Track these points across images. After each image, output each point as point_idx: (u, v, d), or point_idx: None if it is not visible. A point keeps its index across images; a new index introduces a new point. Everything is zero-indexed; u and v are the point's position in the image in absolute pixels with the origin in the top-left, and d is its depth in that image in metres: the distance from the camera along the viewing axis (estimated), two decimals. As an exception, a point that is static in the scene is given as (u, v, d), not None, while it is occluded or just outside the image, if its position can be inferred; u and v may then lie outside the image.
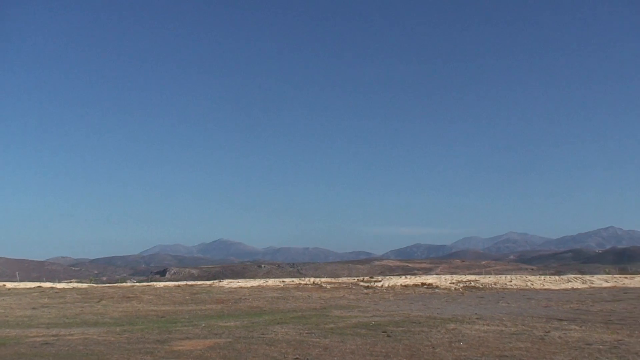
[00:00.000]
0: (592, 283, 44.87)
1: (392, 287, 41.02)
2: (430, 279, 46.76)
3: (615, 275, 55.02)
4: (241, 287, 42.86)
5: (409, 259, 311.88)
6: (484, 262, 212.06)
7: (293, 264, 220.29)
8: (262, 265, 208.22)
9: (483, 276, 52.83)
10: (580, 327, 19.25)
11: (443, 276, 51.70)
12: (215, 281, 54.71)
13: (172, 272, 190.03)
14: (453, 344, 15.49)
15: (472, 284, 42.95)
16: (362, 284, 44.20)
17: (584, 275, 56.28)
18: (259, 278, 72.50)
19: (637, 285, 42.51)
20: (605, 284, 43.94)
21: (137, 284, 61.48)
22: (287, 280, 51.32)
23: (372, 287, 41.08)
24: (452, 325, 19.67)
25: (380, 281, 45.40)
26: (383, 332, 18.05)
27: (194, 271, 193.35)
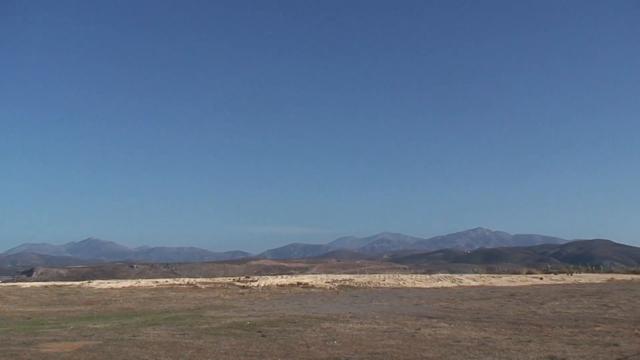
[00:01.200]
0: (461, 282, 46.35)
1: (268, 287, 40.91)
2: (306, 279, 46.94)
3: (483, 275, 57.03)
4: (112, 288, 41.57)
5: (286, 259, 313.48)
6: (358, 262, 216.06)
7: (167, 264, 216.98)
8: (135, 266, 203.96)
9: (358, 275, 53.52)
10: (450, 324, 19.78)
11: (319, 275, 52.03)
12: (84, 282, 52.85)
13: (40, 272, 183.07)
14: (327, 343, 15.53)
15: (347, 283, 43.44)
16: (237, 283, 43.85)
17: (453, 275, 58.09)
18: (131, 279, 70.61)
19: (503, 285, 44.29)
20: (473, 283, 45.51)
21: (2, 284, 58.55)
22: (161, 280, 50.22)
23: (248, 287, 40.82)
24: (326, 324, 19.76)
25: (256, 281, 45.19)
26: (258, 332, 17.89)
27: (62, 271, 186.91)
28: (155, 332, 18.23)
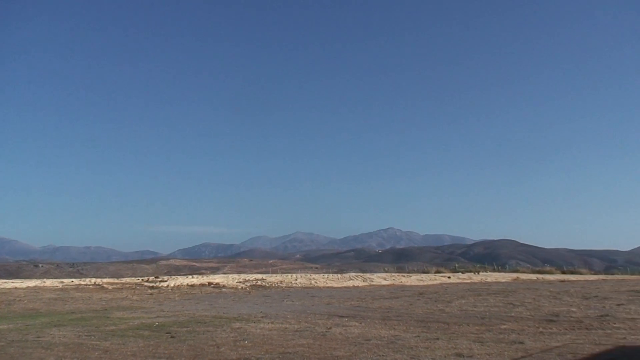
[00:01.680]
0: (372, 281, 46.86)
1: (178, 287, 40.28)
2: (217, 278, 46.45)
3: (393, 274, 57.88)
4: (15, 288, 40.04)
5: (197, 258, 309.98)
6: (271, 261, 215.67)
7: (73, 264, 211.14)
8: (40, 265, 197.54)
9: (270, 275, 53.41)
10: (360, 323, 19.92)
11: (230, 275, 51.61)
12: (-14, 282, 50.77)
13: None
14: (238, 343, 15.37)
15: (259, 282, 43.24)
16: (146, 284, 42.97)
17: (364, 274, 58.67)
18: (36, 278, 68.15)
19: (413, 283, 45.03)
20: (384, 282, 46.08)
21: None
22: (67, 280, 48.68)
23: (157, 288, 40.06)
24: (237, 324, 19.58)
25: (166, 281, 44.38)
26: (167, 333, 17.56)
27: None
28: (60, 333, 17.65)
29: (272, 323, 20.11)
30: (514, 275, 59.24)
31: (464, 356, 13.29)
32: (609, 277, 61.40)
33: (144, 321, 21.07)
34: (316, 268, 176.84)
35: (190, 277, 49.26)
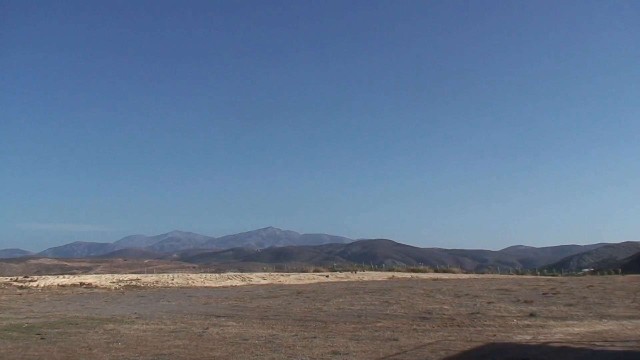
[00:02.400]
0: (251, 280, 46.73)
1: (49, 287, 38.72)
2: (89, 279, 44.97)
3: (272, 273, 57.97)
4: None
5: (69, 258, 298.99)
6: (147, 261, 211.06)
7: None
8: None
9: (145, 275, 52.26)
10: (238, 323, 19.76)
11: (103, 275, 50.11)
12: None
13: None
14: (111, 345, 14.91)
15: (134, 283, 42.21)
16: (15, 283, 41.03)
17: (243, 273, 58.47)
18: None
19: (291, 283, 45.19)
20: (262, 282, 46.03)
21: None
22: None
23: (26, 287, 38.35)
24: (110, 326, 19.00)
25: (35, 281, 42.54)
26: (37, 334, 16.82)
27: None
28: None
29: (147, 324, 19.65)
30: (390, 274, 60.58)
31: (340, 354, 13.39)
32: (480, 276, 63.68)
33: (12, 322, 20.14)
34: (194, 268, 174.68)
35: (61, 277, 47.43)
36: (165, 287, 40.58)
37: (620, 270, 67.76)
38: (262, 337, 16.19)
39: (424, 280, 47.14)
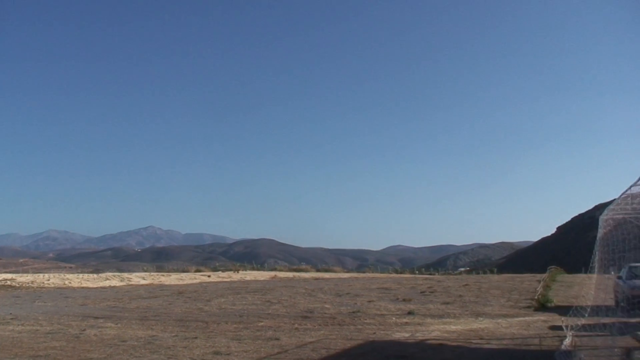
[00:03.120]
0: (130, 281, 45.75)
1: None
2: (-42, 279, 42.76)
3: (152, 273, 56.91)
4: None
5: None
6: (22, 260, 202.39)
7: None
8: None
9: (20, 275, 50.21)
10: (116, 324, 19.34)
11: (-26, 275, 47.75)
12: None
13: None
14: (-18, 347, 14.27)
15: (8, 283, 40.50)
16: None
17: (122, 273, 57.16)
18: None
19: (173, 283, 44.53)
20: (142, 282, 45.16)
21: None
22: None
23: None
24: (-19, 328, 18.18)
25: None
26: None
27: None
28: None
29: (22, 325, 18.97)
30: (272, 273, 60.73)
31: (222, 354, 13.33)
32: (361, 275, 64.59)
33: None
34: (71, 268, 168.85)
35: None
36: (41, 287, 39.15)
37: (495, 270, 70.43)
38: (141, 338, 15.91)
39: (306, 280, 47.45)
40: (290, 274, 59.59)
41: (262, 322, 19.73)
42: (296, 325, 18.78)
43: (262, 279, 50.50)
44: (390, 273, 72.76)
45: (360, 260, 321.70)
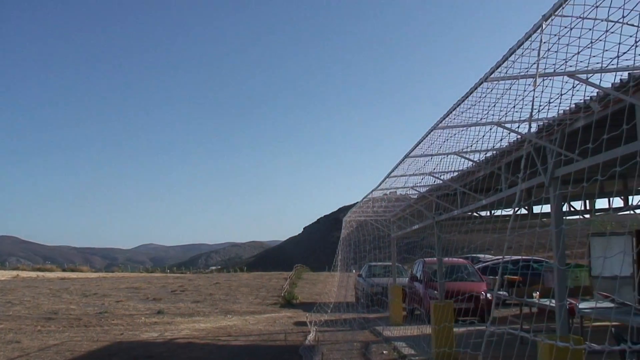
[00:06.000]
0: None
1: None
2: None
3: None
4: None
5: None
6: None
7: None
8: None
9: None
10: None
11: None
12: None
13: None
14: None
15: None
16: None
17: None
18: None
19: None
20: None
21: None
22: None
23: None
24: None
25: None
26: None
27: None
28: None
29: None
30: (14, 272, 57.15)
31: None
32: (110, 274, 62.99)
33: None
34: None
35: None
36: None
37: (245, 268, 71.93)
38: None
39: (50, 280, 45.25)
40: (33, 274, 56.45)
41: (1, 324, 18.65)
42: (39, 327, 18.03)
43: (2, 278, 47.36)
44: (141, 272, 71.79)
45: (109, 260, 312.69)
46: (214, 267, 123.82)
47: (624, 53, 4.73)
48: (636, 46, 4.61)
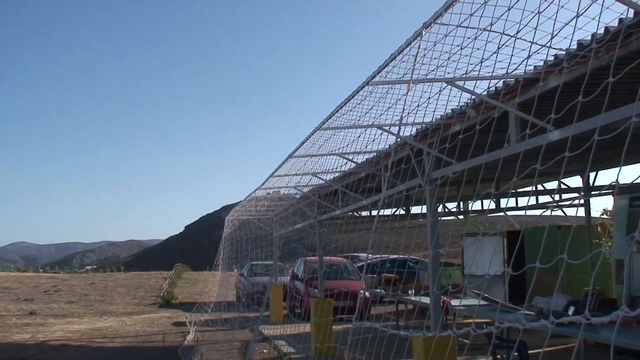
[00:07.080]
0: None
1: None
2: None
3: None
4: None
5: None
6: None
7: None
8: None
9: None
10: None
11: None
12: None
13: None
14: None
15: None
16: None
17: None
18: None
19: None
20: None
21: None
22: None
23: None
24: None
25: None
26: None
27: None
28: None
29: None
30: None
31: None
32: (-23, 274, 60.21)
33: None
34: None
35: None
36: None
37: (122, 268, 70.32)
38: None
39: None
40: None
41: None
42: None
43: None
44: (12, 272, 68.85)
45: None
46: (89, 267, 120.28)
47: (500, 61, 5.02)
48: (512, 55, 4.89)
